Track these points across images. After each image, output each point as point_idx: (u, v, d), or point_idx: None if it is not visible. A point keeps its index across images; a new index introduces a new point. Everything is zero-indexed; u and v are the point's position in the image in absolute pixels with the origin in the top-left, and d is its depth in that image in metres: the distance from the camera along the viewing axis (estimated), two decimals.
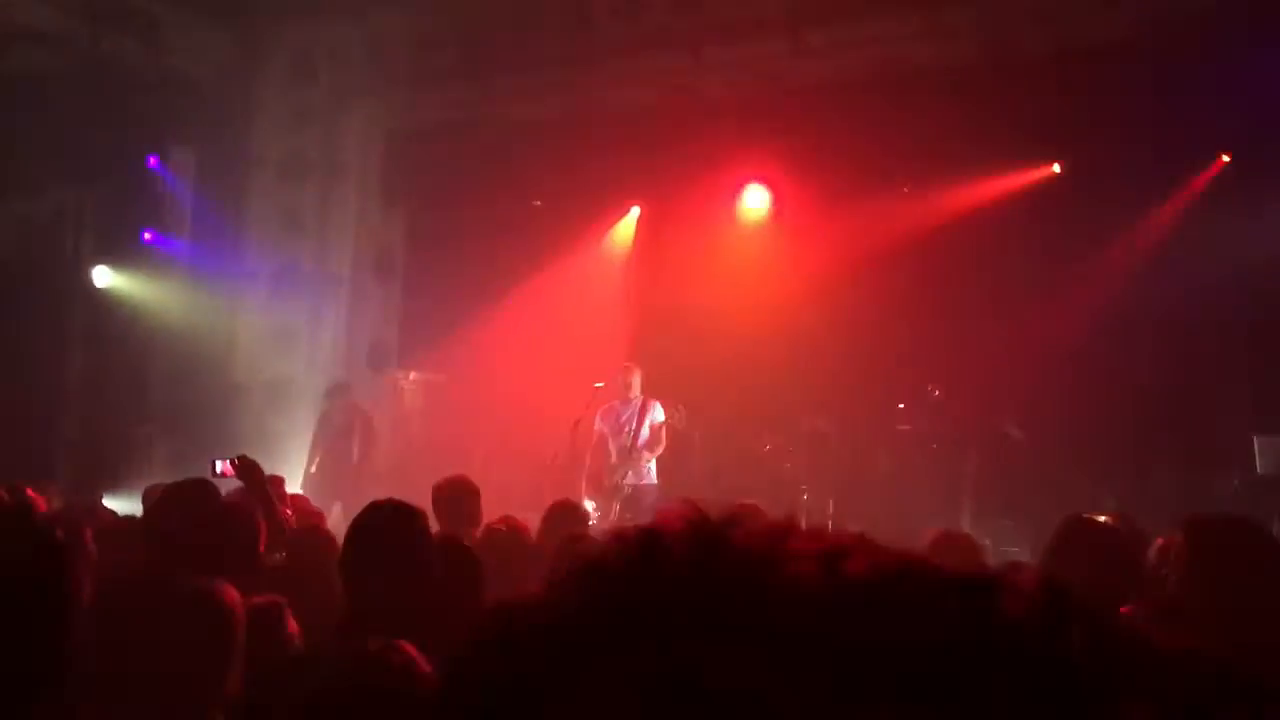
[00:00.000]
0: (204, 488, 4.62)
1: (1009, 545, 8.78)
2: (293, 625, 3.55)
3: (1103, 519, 4.23)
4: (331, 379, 11.51)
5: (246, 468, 5.04)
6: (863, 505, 9.89)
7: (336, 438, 11.08)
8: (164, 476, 8.38)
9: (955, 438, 9.67)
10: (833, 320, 10.47)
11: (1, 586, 2.87)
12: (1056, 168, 10.40)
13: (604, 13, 10.28)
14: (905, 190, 11.05)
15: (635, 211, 12.55)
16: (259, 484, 4.89)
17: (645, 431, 9.83)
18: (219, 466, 5.49)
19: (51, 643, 2.20)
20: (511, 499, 9.18)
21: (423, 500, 7.77)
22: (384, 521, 3.02)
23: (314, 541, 4.48)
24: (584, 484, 9.91)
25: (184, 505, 4.29)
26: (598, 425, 10.00)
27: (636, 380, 10.03)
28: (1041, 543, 8.48)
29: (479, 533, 4.86)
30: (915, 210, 10.54)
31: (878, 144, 10.18)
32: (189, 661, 2.76)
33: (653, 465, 9.92)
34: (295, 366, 11.61)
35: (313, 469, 10.88)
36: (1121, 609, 2.77)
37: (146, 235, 10.51)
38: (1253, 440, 8.31)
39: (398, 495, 9.19)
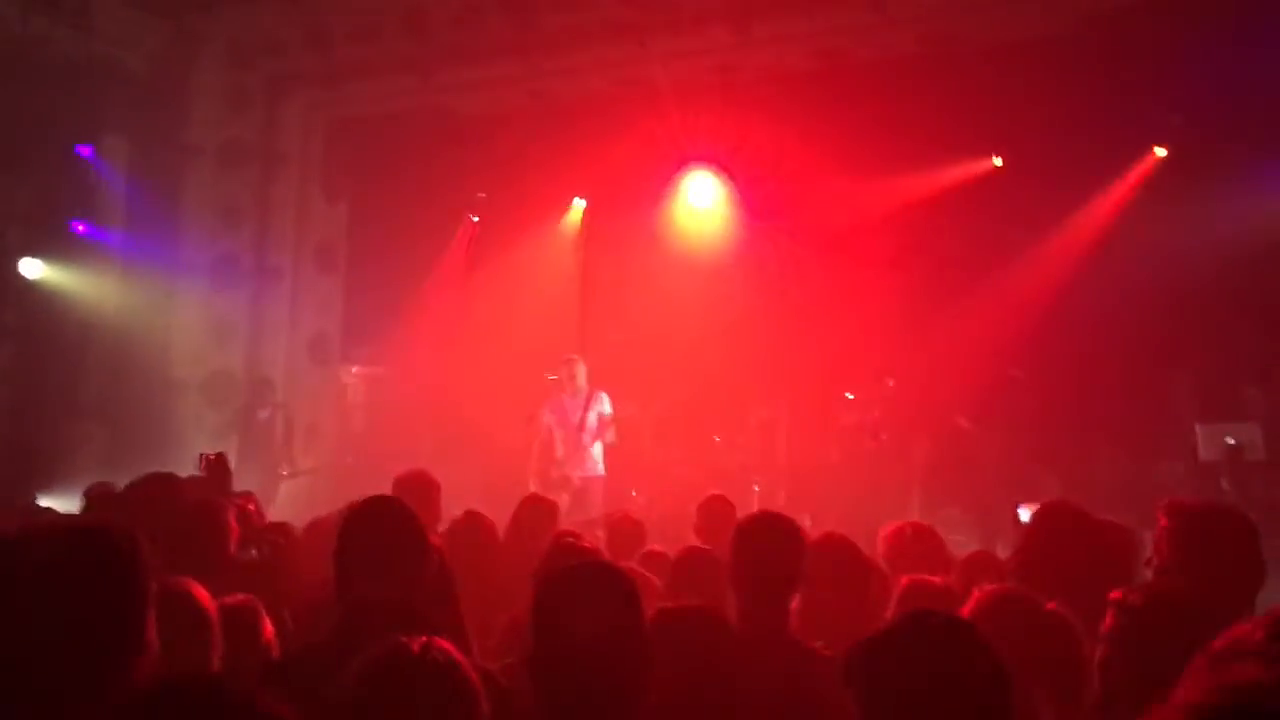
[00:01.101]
0: (170, 482, 4.50)
1: (956, 534, 8.91)
2: (268, 626, 3.46)
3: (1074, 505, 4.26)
4: (258, 375, 11.34)
5: (218, 466, 4.91)
6: (814, 496, 9.98)
7: (260, 434, 10.93)
8: (101, 474, 8.15)
9: (903, 427, 9.78)
10: (779, 311, 10.57)
11: None
12: (997, 160, 10.58)
13: (548, 3, 10.19)
14: (847, 181, 11.16)
15: (581, 203, 12.50)
16: (226, 481, 4.76)
17: (592, 422, 9.80)
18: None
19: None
20: (465, 493, 9.11)
21: (375, 490, 7.72)
22: (383, 516, 2.95)
23: (283, 539, 4.37)
24: (531, 477, 9.87)
25: (150, 501, 4.18)
26: (545, 418, 9.96)
27: (581, 371, 10.01)
28: (988, 530, 8.72)
29: (443, 528, 4.79)
30: (859, 201, 10.64)
31: (821, 136, 10.25)
32: (163, 663, 2.64)
33: (600, 457, 9.89)
34: (234, 361, 11.36)
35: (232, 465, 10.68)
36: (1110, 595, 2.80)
37: (79, 226, 10.17)
38: (1195, 429, 8.52)
39: (344, 490, 9.08)
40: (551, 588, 2.38)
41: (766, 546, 3.33)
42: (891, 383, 9.57)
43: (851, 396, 10.21)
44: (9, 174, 9.92)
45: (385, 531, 2.90)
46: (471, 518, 4.85)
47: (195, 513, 3.99)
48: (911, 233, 10.18)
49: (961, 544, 8.48)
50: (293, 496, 10.46)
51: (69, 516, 4.79)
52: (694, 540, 5.62)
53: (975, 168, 10.59)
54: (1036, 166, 9.82)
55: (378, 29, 10.85)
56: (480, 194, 12.87)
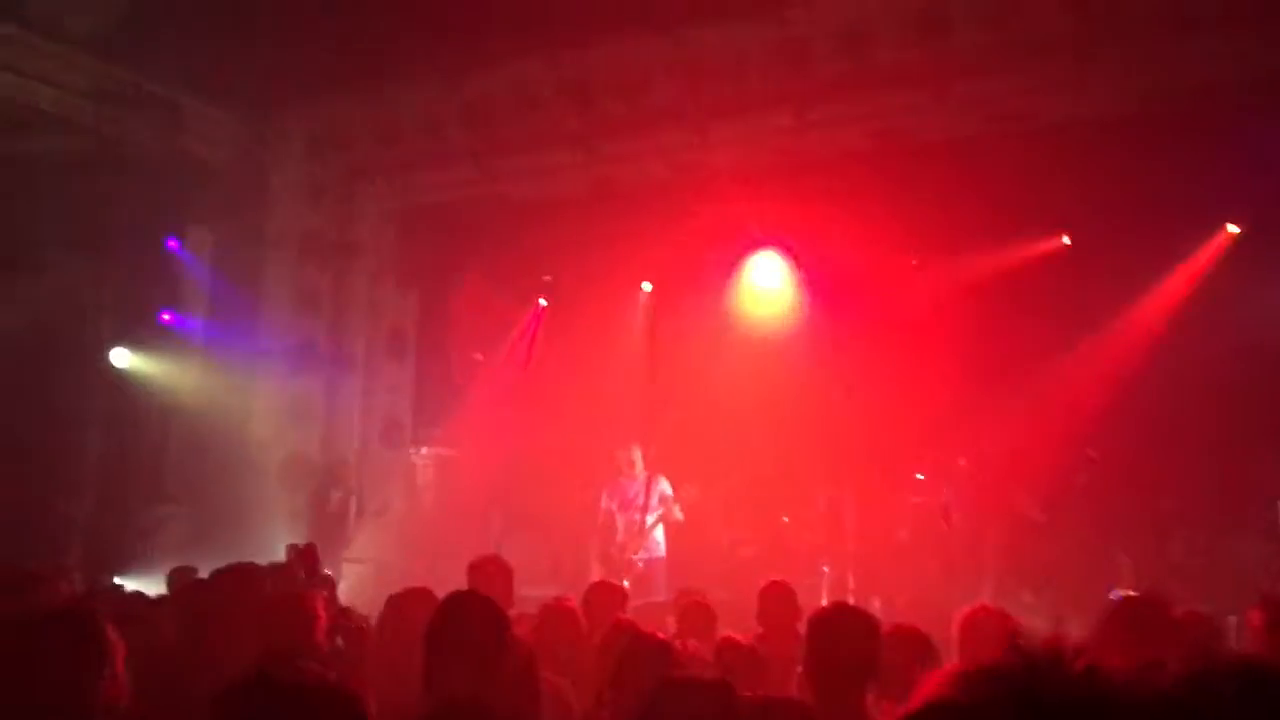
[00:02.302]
0: (251, 574, 4.62)
1: (1031, 618, 8.75)
2: None
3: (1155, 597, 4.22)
4: (332, 458, 11.59)
5: (308, 557, 5.04)
6: (884, 578, 9.89)
7: (333, 518, 11.14)
8: (181, 556, 8.37)
9: (975, 509, 9.67)
10: (847, 392, 10.54)
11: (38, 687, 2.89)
12: (1065, 239, 10.55)
13: (608, 92, 10.45)
14: (914, 262, 11.21)
15: (647, 286, 12.65)
16: (316, 569, 4.89)
17: (653, 504, 9.90)
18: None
19: None
20: (533, 574, 9.19)
21: (442, 574, 7.81)
22: (469, 611, 3.03)
23: (365, 628, 4.47)
24: (593, 561, 9.95)
25: (235, 592, 4.30)
26: (604, 503, 10.10)
27: (637, 456, 10.22)
28: (1063, 613, 8.55)
29: (514, 612, 4.85)
30: (927, 281, 10.67)
31: (885, 215, 10.30)
32: None
33: (661, 539, 9.96)
34: (310, 444, 11.62)
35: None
36: None
37: (165, 316, 10.58)
38: (1277, 506, 8.33)
39: (414, 570, 9.17)
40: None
41: (842, 640, 3.35)
42: (963, 463, 9.49)
43: (921, 477, 10.13)
44: (100, 266, 10.37)
45: (471, 629, 2.97)
46: (559, 612, 4.89)
47: (284, 604, 4.10)
48: (982, 312, 10.12)
49: (1037, 628, 8.40)
50: (361, 576, 10.61)
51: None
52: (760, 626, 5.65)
53: (1043, 246, 10.56)
54: (1107, 244, 9.75)
55: (440, 122, 11.22)
56: (546, 278, 13.12)
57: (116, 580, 9.54)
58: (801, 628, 4.04)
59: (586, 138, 10.62)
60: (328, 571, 7.73)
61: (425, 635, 2.99)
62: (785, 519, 10.80)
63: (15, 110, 9.91)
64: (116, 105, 10.19)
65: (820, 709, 3.27)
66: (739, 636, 4.88)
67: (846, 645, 3.33)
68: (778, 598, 5.53)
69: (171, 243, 10.67)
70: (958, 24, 8.83)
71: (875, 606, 9.60)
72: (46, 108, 10.06)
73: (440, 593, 5.10)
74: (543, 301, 13.20)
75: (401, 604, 4.88)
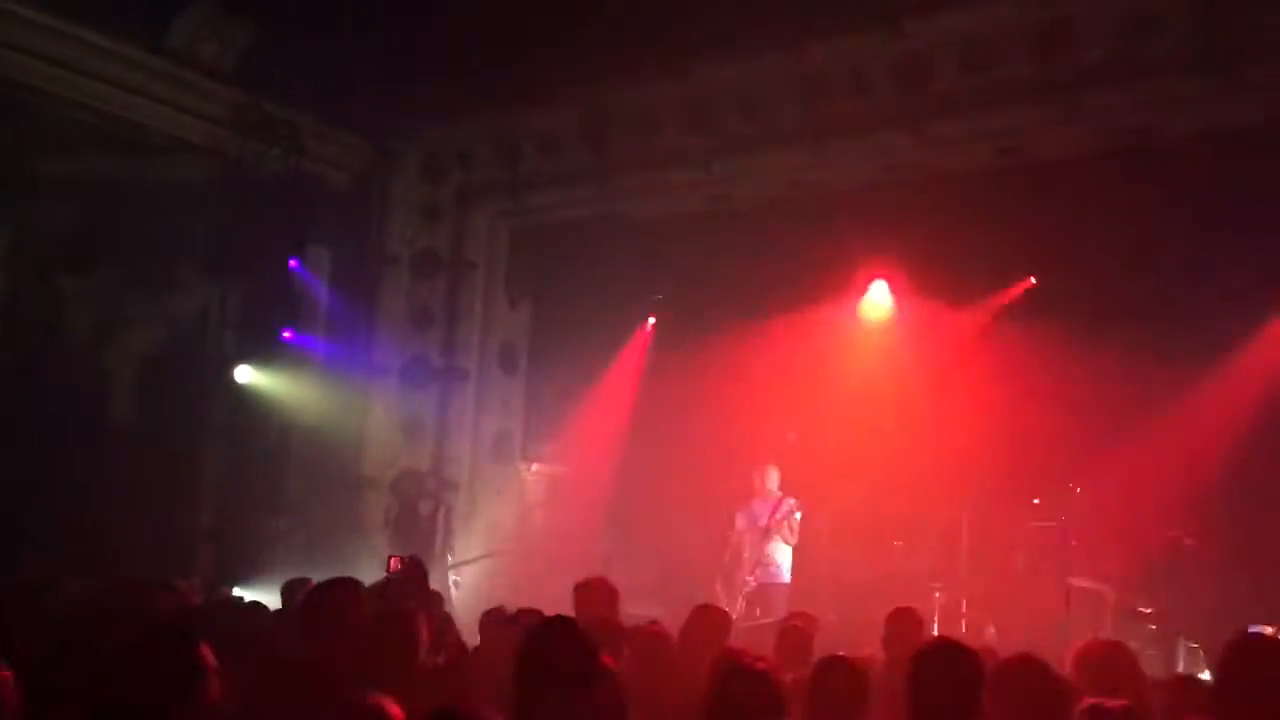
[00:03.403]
0: (354, 589, 4.68)
1: (1150, 649, 8.40)
2: None
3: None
4: (444, 474, 11.76)
5: (413, 568, 5.10)
6: (998, 604, 9.60)
7: (423, 527, 11.29)
8: (298, 568, 8.59)
9: (1095, 536, 9.31)
10: (962, 414, 10.28)
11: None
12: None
13: (726, 111, 10.42)
14: (1032, 281, 10.90)
15: (763, 307, 12.52)
16: (423, 584, 4.94)
17: (780, 527, 9.89)
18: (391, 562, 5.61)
19: None
20: (641, 594, 9.16)
21: (550, 588, 7.83)
22: (559, 642, 3.02)
23: (466, 646, 4.49)
24: (719, 581, 9.95)
25: (339, 606, 4.36)
26: (738, 524, 10.14)
27: (774, 477, 10.26)
28: (1186, 647, 8.18)
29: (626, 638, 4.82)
30: (1040, 302, 10.37)
31: (1002, 236, 10.04)
32: None
33: (784, 563, 9.91)
34: (422, 459, 11.82)
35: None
36: None
37: (286, 333, 10.90)
38: None
39: (524, 587, 9.23)
40: None
41: (944, 678, 3.24)
42: (1079, 489, 9.16)
43: (1038, 502, 9.82)
44: (226, 285, 10.73)
45: (561, 658, 2.96)
46: (652, 638, 4.84)
47: (388, 621, 4.14)
48: (1102, 333, 9.75)
49: (1151, 658, 8.04)
50: (472, 589, 10.75)
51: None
52: (869, 649, 5.52)
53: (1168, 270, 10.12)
54: (1239, 266, 9.27)
55: (559, 141, 11.36)
56: (658, 296, 13.12)
57: (236, 590, 9.87)
58: None
59: (704, 156, 10.62)
60: (435, 588, 7.85)
61: (515, 662, 2.98)
62: (898, 543, 10.59)
63: (150, 135, 10.35)
64: (243, 131, 10.55)
65: None
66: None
67: (949, 685, 3.22)
68: (905, 624, 5.37)
69: (293, 262, 10.98)
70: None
71: (990, 633, 9.36)
72: (179, 133, 10.49)
73: (548, 611, 5.15)
74: (652, 320, 13.21)
75: (504, 625, 4.93)
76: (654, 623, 4.95)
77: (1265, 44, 7.93)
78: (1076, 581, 8.94)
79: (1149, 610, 8.65)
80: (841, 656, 3.89)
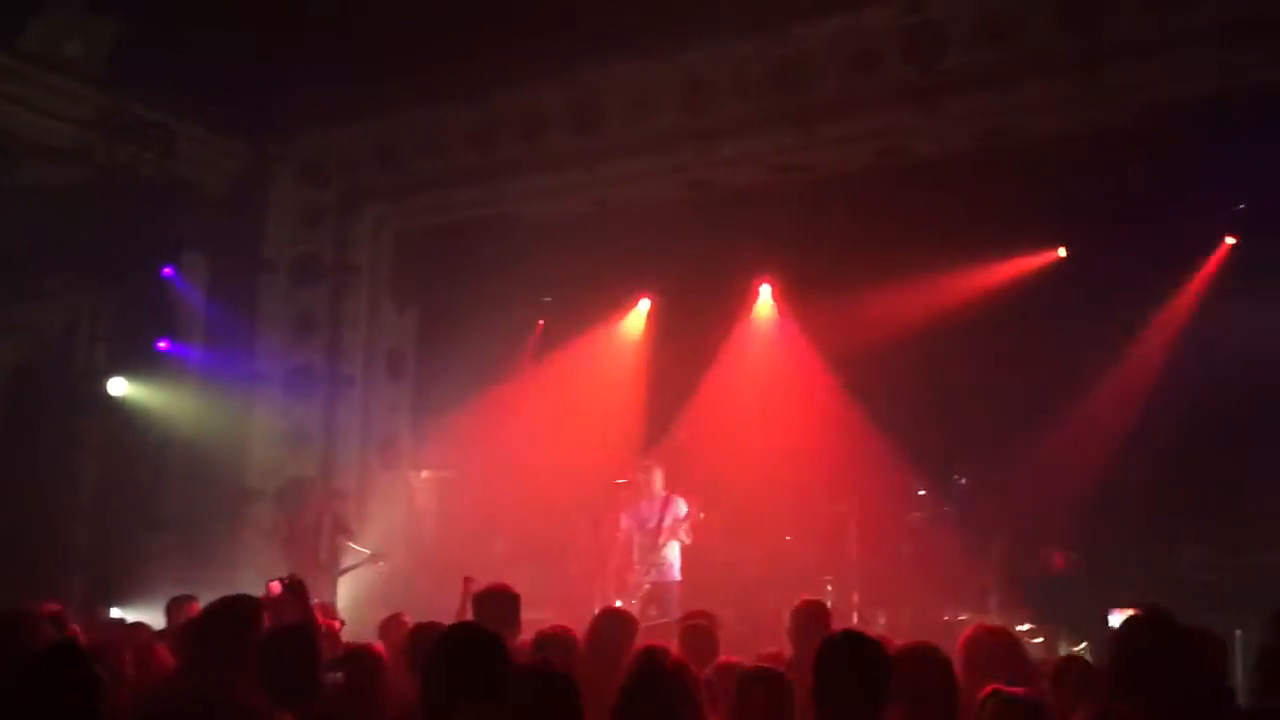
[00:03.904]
0: (255, 606, 4.56)
1: (1035, 634, 8.69)
2: None
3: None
4: (332, 483, 11.52)
5: (295, 587, 4.98)
6: (888, 594, 9.84)
7: (307, 535, 11.06)
8: (179, 585, 8.31)
9: (980, 524, 9.61)
10: (848, 408, 10.50)
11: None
12: (1061, 251, 10.52)
13: (612, 111, 10.42)
14: (913, 277, 11.17)
15: (645, 304, 12.61)
16: (307, 603, 4.82)
17: (668, 525, 9.88)
18: (271, 586, 5.43)
19: None
20: (539, 598, 9.10)
21: (445, 597, 7.74)
22: (469, 646, 2.98)
23: (367, 660, 4.41)
24: (609, 582, 9.93)
25: (237, 623, 4.24)
26: (624, 524, 10.11)
27: (658, 477, 10.24)
28: (1069, 630, 8.51)
29: (530, 641, 4.80)
30: (925, 297, 10.63)
31: (882, 233, 10.29)
32: None
33: (676, 561, 9.93)
34: (309, 469, 11.55)
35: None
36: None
37: (161, 343, 10.52)
38: None
39: (416, 597, 9.09)
40: None
41: (851, 667, 3.30)
42: (963, 480, 9.44)
43: (923, 493, 10.09)
44: (97, 295, 10.32)
45: (471, 662, 2.92)
46: (561, 642, 4.82)
47: (284, 638, 4.03)
48: (980, 325, 10.08)
49: (1037, 643, 8.33)
50: (364, 600, 10.53)
51: None
52: (770, 645, 5.58)
53: (1038, 260, 10.53)
54: (1103, 257, 9.71)
55: (444, 143, 11.21)
56: (546, 298, 13.09)
57: (115, 611, 9.50)
58: None
59: (589, 157, 10.60)
60: (323, 600, 7.67)
61: (421, 674, 2.93)
62: (788, 537, 10.75)
63: (11, 141, 9.88)
64: (112, 133, 10.16)
65: None
66: (738, 659, 4.80)
67: (858, 677, 3.28)
68: (812, 617, 5.42)
69: (167, 270, 10.61)
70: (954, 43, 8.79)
71: (880, 622, 9.59)
72: (43, 138, 10.04)
73: (445, 619, 5.08)
74: (541, 323, 13.18)
75: (407, 631, 4.86)
76: (562, 627, 4.93)
77: (1120, 45, 8.28)
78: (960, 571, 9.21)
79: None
80: (766, 669, 3.93)
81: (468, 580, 6.23)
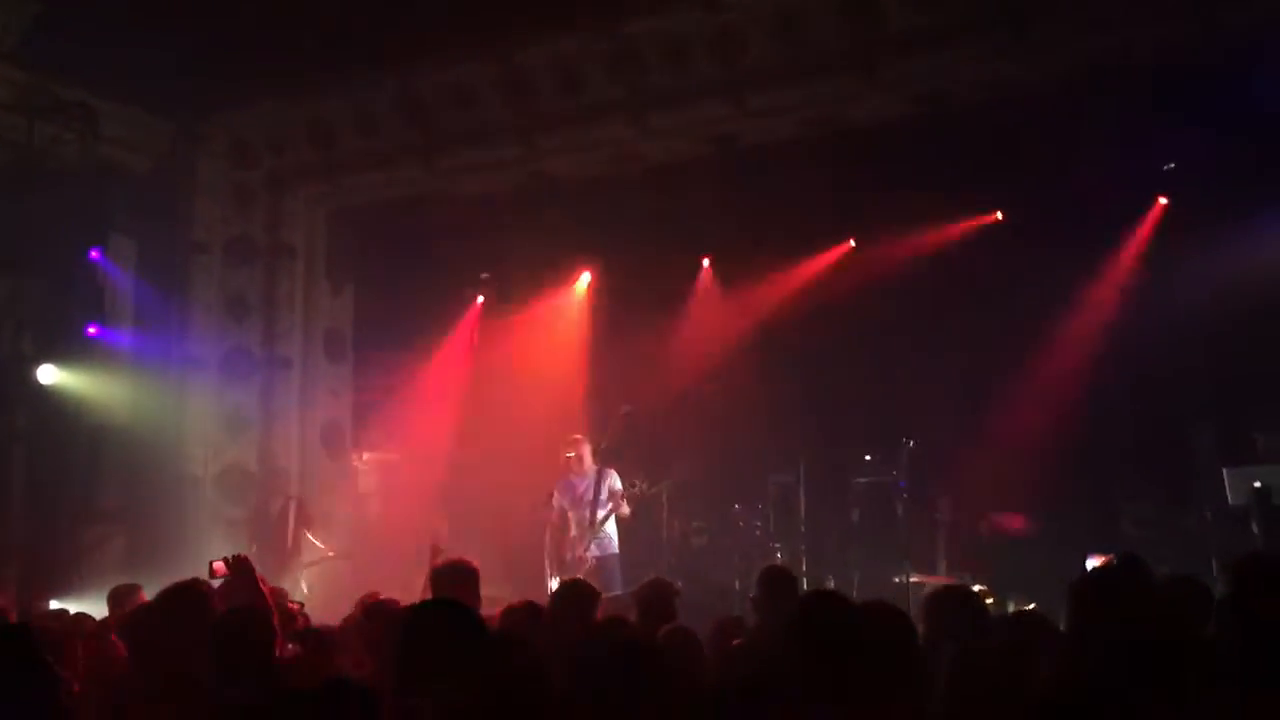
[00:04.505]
0: (198, 592, 4.46)
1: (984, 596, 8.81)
2: None
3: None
4: (269, 467, 11.35)
5: (241, 566, 4.88)
6: (836, 561, 9.93)
7: (275, 527, 10.92)
8: (121, 574, 8.12)
9: (927, 488, 9.73)
10: (793, 377, 10.56)
11: None
12: (999, 215, 10.65)
13: (544, 85, 10.31)
14: (852, 244, 11.26)
15: (586, 278, 12.56)
16: (255, 581, 4.73)
17: (603, 499, 9.82)
18: (215, 566, 5.32)
19: None
20: (488, 576, 9.02)
21: (393, 579, 7.66)
22: (443, 622, 2.92)
23: (323, 638, 4.33)
24: (546, 560, 9.86)
25: (191, 609, 4.14)
26: (556, 501, 9.99)
27: (586, 451, 10.10)
28: (1014, 587, 8.66)
29: (498, 614, 4.76)
30: (866, 264, 10.72)
31: (821, 202, 10.34)
32: None
33: (614, 535, 9.89)
34: (248, 453, 11.35)
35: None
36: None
37: (91, 329, 10.21)
38: (1222, 473, 8.45)
39: (365, 579, 8.99)
40: None
41: (826, 626, 3.29)
42: (910, 443, 9.53)
43: (870, 458, 10.18)
44: (21, 280, 10.01)
45: (449, 637, 2.86)
46: (525, 605, 4.81)
47: (239, 621, 3.94)
48: (921, 292, 10.19)
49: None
50: (316, 585, 10.40)
51: None
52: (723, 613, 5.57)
53: (976, 222, 10.65)
54: (1039, 219, 9.86)
55: (376, 120, 11.00)
56: (483, 274, 12.99)
57: (55, 604, 9.25)
58: None
59: (524, 131, 10.47)
60: (278, 584, 7.54)
61: (398, 648, 2.87)
62: (737, 506, 10.80)
63: None
64: (33, 115, 9.83)
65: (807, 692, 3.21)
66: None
67: (832, 634, 3.27)
68: (778, 583, 5.41)
69: (94, 253, 10.30)
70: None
71: (829, 587, 9.67)
72: None
73: (403, 599, 5.03)
74: (479, 299, 13.09)
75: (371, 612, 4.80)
76: (528, 600, 4.90)
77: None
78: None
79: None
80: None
81: (434, 547, 6.16)
